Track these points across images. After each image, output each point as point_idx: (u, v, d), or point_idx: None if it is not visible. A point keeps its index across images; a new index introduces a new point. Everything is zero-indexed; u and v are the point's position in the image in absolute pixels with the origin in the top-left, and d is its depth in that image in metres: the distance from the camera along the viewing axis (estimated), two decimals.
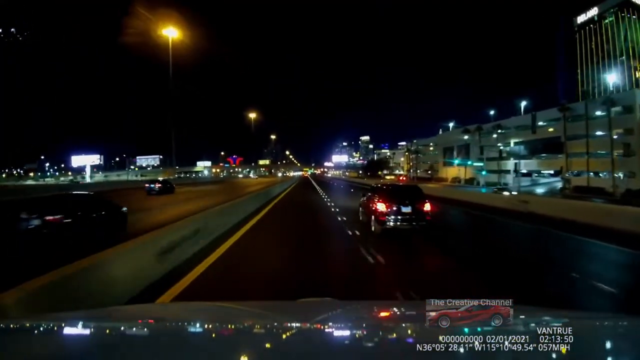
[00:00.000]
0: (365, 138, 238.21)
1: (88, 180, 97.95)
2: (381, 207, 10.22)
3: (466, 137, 72.15)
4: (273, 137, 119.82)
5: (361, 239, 9.53)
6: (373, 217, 10.70)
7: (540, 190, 52.27)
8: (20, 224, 6.42)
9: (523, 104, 64.97)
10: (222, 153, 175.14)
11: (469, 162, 67.31)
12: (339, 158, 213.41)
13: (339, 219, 13.98)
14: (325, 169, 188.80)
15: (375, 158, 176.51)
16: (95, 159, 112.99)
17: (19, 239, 6.32)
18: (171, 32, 44.64)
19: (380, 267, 6.79)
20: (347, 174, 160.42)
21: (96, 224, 7.85)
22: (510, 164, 59.99)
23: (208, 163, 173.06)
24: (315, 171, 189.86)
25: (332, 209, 17.71)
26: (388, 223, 10.09)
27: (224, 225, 10.51)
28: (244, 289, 5.42)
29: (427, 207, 10.39)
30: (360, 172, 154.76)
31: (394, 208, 10.13)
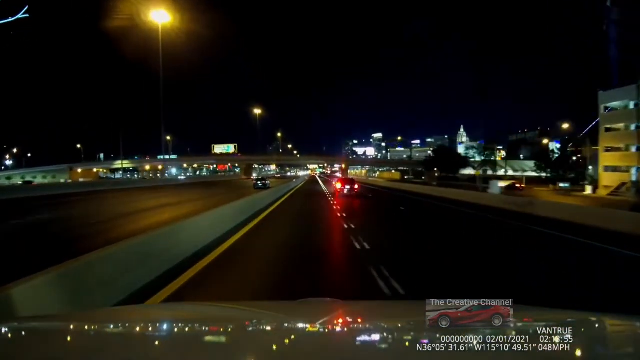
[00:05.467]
0: (378, 135, 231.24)
1: None
2: (339, 185, 33.09)
3: None
4: (258, 111, 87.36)
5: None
6: (336, 190, 33.37)
7: None
8: (257, 183, 35.82)
9: None
10: (189, 149, 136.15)
11: None
12: (361, 151, 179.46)
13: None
14: (337, 168, 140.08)
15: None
16: None
17: (260, 186, 33.41)
18: None
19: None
20: (375, 175, 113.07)
21: (267, 185, 33.35)
22: None
23: (173, 156, 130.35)
24: (325, 170, 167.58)
25: None
26: (342, 192, 33.01)
27: None
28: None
29: (357, 186, 32.80)
30: (399, 169, 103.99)
31: (343, 187, 32.88)
